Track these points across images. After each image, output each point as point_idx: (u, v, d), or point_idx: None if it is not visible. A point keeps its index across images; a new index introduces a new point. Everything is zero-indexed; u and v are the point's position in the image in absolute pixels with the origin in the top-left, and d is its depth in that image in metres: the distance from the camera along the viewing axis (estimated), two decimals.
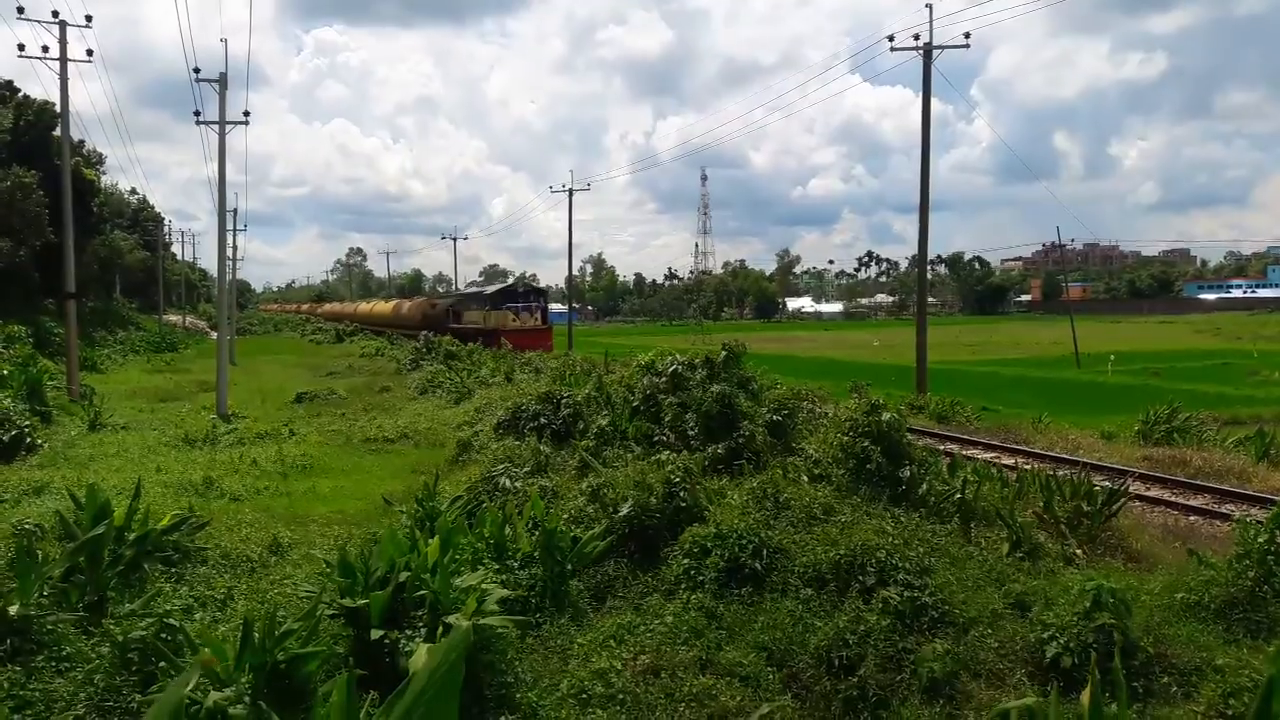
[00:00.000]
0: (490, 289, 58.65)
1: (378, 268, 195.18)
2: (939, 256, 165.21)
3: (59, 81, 27.16)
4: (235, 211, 55.96)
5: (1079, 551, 9.73)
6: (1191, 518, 12.73)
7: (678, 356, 14.91)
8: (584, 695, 6.83)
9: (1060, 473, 11.95)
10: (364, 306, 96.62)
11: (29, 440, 17.49)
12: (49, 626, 7.00)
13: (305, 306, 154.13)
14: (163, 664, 6.08)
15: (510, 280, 61.31)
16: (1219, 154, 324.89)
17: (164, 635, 6.50)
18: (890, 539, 8.59)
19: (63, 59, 27.05)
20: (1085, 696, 3.56)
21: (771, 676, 7.30)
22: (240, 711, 5.62)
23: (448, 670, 1.98)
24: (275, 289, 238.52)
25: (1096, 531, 10.20)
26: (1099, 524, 10.28)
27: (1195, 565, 8.58)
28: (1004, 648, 7.54)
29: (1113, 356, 44.56)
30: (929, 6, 28.93)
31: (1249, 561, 8.07)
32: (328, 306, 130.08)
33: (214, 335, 46.71)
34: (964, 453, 15.78)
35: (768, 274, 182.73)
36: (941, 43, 29.19)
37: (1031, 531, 9.65)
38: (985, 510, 10.22)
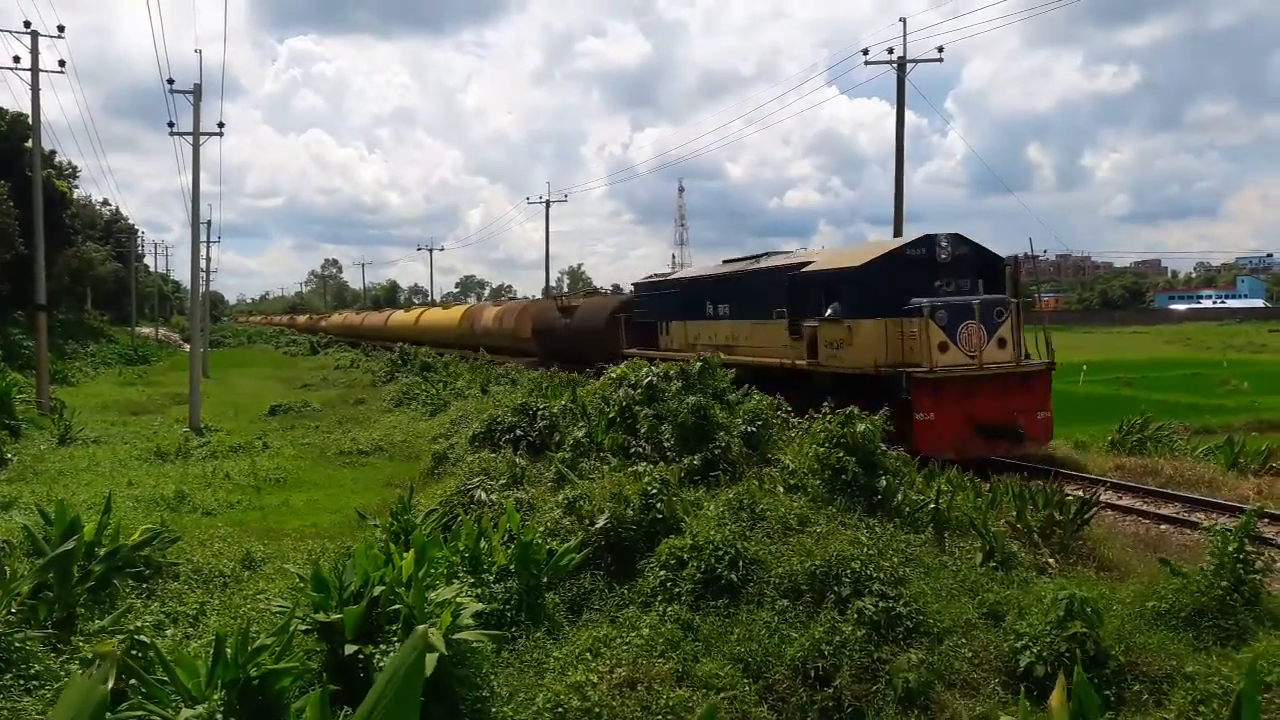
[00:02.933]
0: (839, 258, 19.74)
1: (353, 279, 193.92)
2: None
3: (31, 92, 26.96)
4: (209, 223, 55.71)
5: (1051, 561, 9.81)
6: (1163, 526, 12.85)
7: (653, 368, 14.92)
8: (560, 709, 6.81)
9: (1033, 482, 12.04)
10: (399, 317, 68.58)
11: None
12: (17, 644, 6.89)
13: (303, 319, 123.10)
14: (133, 681, 6.00)
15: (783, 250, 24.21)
16: (1190, 166, 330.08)
17: (135, 652, 6.43)
18: (865, 549, 8.63)
19: (34, 69, 26.83)
20: (1053, 700, 3.59)
21: (748, 688, 7.31)
22: None
23: (407, 671, 1.98)
24: (249, 300, 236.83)
25: (1069, 541, 10.28)
26: (1071, 533, 10.37)
27: (1167, 574, 8.67)
28: (978, 657, 7.58)
29: (1085, 366, 44.91)
30: (903, 20, 29.23)
31: (1222, 570, 8.15)
32: (336, 318, 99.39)
33: (187, 348, 46.30)
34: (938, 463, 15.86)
35: None
36: (915, 56, 29.45)
37: (1005, 541, 9.73)
38: (959, 520, 10.29)
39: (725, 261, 25.20)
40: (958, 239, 18.28)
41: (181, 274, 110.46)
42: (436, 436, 20.03)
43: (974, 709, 6.95)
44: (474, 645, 6.82)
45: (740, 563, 8.67)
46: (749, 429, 13.09)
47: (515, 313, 41.47)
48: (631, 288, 35.01)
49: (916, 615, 7.88)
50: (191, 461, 18.45)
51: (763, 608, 8.25)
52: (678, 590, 8.57)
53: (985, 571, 9.14)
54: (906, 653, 7.46)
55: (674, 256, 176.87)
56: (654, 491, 10.00)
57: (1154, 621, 8.00)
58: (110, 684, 1.91)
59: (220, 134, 26.89)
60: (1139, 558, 10.40)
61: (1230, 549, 8.20)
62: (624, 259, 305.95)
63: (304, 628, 6.88)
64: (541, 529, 9.82)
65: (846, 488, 10.53)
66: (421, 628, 3.13)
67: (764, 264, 22.61)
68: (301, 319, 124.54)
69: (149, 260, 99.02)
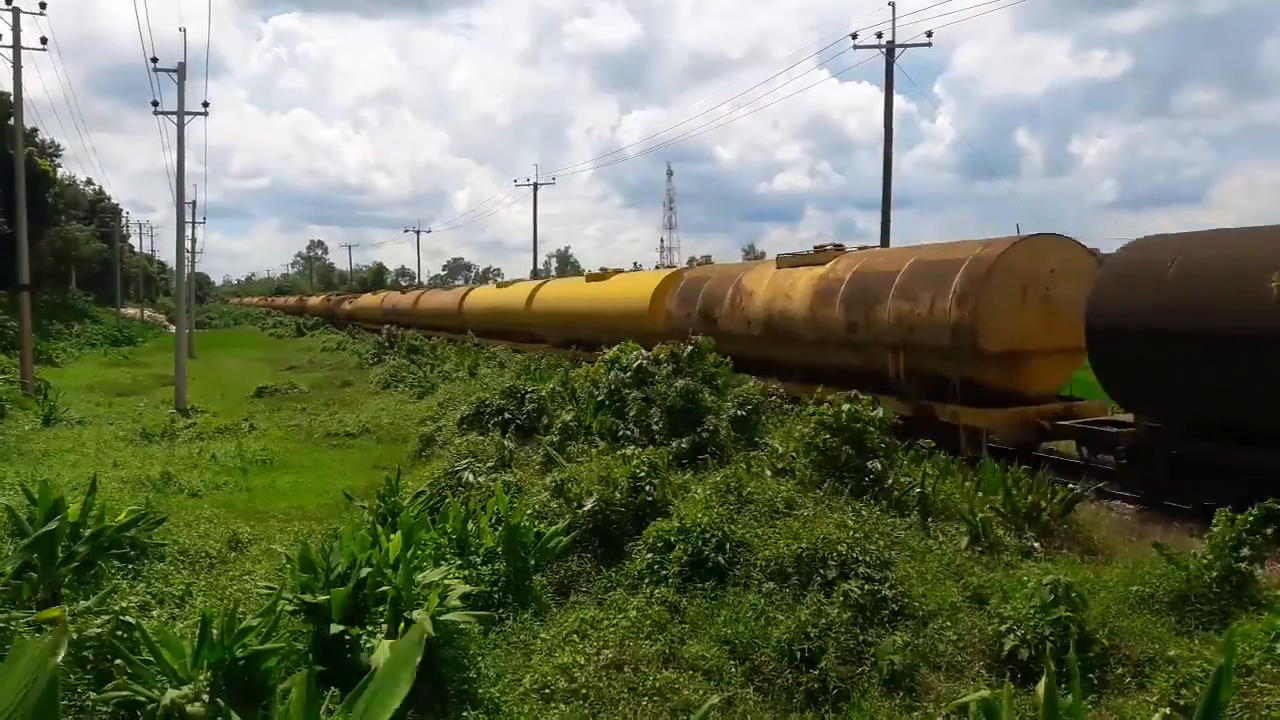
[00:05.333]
0: None
1: (339, 261, 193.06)
2: None
3: (13, 70, 26.70)
4: (194, 203, 55.22)
5: (1037, 545, 9.85)
6: (1144, 512, 12.93)
7: (643, 351, 14.90)
8: (547, 690, 6.82)
9: (1020, 467, 12.07)
10: (485, 295, 43.08)
11: None
12: (0, 624, 6.86)
13: (315, 301, 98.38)
14: (119, 662, 5.99)
15: None
16: (1177, 153, 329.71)
17: (120, 633, 6.40)
18: (851, 532, 8.64)
19: (16, 46, 26.55)
20: (1041, 688, 3.61)
21: (734, 670, 7.34)
22: (198, 709, 5.55)
23: (402, 663, 1.99)
24: (235, 282, 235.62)
25: (1055, 525, 10.33)
26: (1057, 518, 10.41)
27: (1152, 559, 8.70)
28: (963, 640, 7.62)
29: None
30: (891, 5, 29.19)
31: (1213, 556, 8.16)
32: (369, 299, 71.94)
33: (172, 328, 46.04)
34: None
35: None
36: (905, 41, 29.42)
37: (991, 525, 9.76)
38: (945, 504, 10.32)
39: None
40: None
41: (166, 254, 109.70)
42: (424, 419, 19.97)
43: (958, 691, 6.99)
44: (461, 627, 6.83)
45: (727, 545, 8.69)
46: (739, 413, 13.09)
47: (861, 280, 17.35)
48: None
49: (902, 598, 7.91)
50: (177, 443, 18.37)
51: (749, 590, 8.27)
52: (665, 573, 8.58)
53: (971, 555, 9.18)
54: (892, 635, 7.49)
55: (662, 240, 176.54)
56: (642, 474, 10.00)
57: (1138, 606, 8.04)
58: (60, 656, 1.71)
59: (205, 114, 26.68)
60: (1124, 542, 10.46)
61: (1231, 537, 8.19)
62: (612, 242, 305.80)
63: (290, 608, 6.87)
64: (529, 511, 9.82)
65: (833, 471, 10.54)
66: (421, 622, 3.11)
67: None
68: (314, 301, 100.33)
69: (134, 240, 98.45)
